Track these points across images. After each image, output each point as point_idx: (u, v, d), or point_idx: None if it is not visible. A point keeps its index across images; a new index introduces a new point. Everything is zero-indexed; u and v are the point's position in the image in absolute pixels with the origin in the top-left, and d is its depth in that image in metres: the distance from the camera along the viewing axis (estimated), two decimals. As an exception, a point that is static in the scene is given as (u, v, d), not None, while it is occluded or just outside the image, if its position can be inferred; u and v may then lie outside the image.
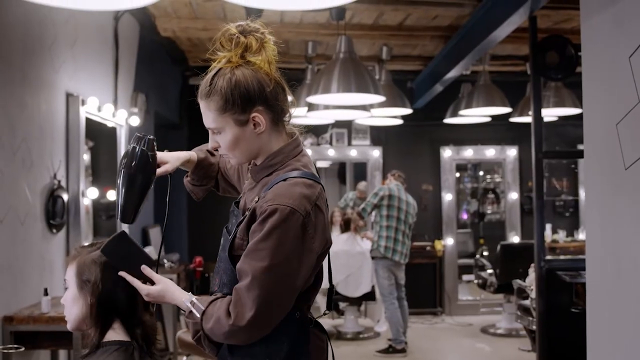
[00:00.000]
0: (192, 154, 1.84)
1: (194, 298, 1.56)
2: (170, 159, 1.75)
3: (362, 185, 7.72)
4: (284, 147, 1.60)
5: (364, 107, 5.31)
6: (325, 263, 1.67)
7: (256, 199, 1.54)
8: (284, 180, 1.52)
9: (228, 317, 1.45)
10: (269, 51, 1.57)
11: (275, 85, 1.56)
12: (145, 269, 1.62)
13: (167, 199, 1.72)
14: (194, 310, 1.53)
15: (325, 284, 1.74)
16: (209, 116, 1.55)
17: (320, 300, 5.48)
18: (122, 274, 1.60)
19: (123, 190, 1.62)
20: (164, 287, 1.60)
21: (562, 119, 6.76)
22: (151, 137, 1.65)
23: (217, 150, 1.62)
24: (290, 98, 1.63)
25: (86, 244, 1.72)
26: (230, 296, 1.50)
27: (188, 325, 1.56)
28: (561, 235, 7.64)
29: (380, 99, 4.62)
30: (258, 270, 1.44)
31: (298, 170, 1.56)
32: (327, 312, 1.80)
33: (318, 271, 1.62)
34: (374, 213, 6.05)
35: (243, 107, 1.52)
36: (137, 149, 1.62)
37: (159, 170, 1.70)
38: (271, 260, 1.44)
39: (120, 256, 1.60)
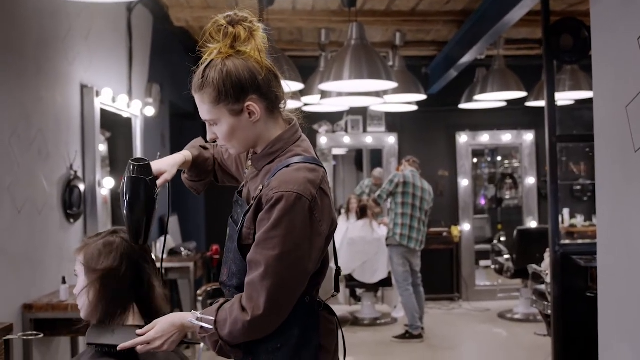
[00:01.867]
0: (187, 154, 1.83)
1: (198, 314, 1.54)
2: (166, 167, 1.74)
3: (377, 172, 7.72)
4: (283, 134, 1.61)
5: (378, 94, 5.31)
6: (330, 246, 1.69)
7: (260, 187, 1.55)
8: (287, 166, 1.53)
9: (245, 313, 1.46)
10: (258, 40, 1.57)
11: (267, 72, 1.56)
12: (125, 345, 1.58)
13: (168, 208, 1.77)
14: (204, 325, 1.52)
15: (331, 265, 1.76)
16: (204, 108, 1.57)
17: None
18: (121, 346, 1.58)
19: (129, 218, 1.63)
20: (161, 321, 1.58)
21: (578, 102, 6.69)
22: (142, 163, 1.64)
23: (215, 141, 1.63)
24: (285, 85, 1.64)
25: (94, 234, 1.76)
26: (238, 295, 1.51)
27: (205, 342, 1.54)
28: (579, 220, 7.59)
29: (393, 85, 4.61)
30: (270, 259, 1.45)
31: (299, 155, 1.56)
32: (335, 293, 1.80)
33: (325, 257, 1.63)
34: (389, 200, 6.05)
35: (236, 97, 1.53)
36: (130, 179, 1.62)
37: (159, 182, 1.69)
38: (282, 247, 1.45)
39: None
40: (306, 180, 1.49)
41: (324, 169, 1.59)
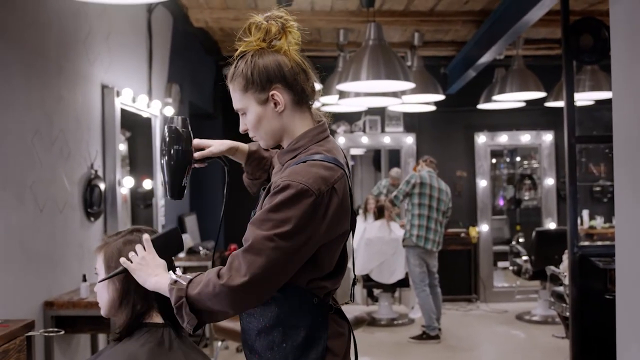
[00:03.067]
0: (242, 144, 1.89)
1: (178, 271, 1.60)
2: (212, 143, 1.83)
3: (394, 171, 7.71)
4: (309, 131, 1.63)
5: (396, 94, 5.31)
6: (350, 252, 1.70)
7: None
8: (304, 162, 1.55)
9: (219, 279, 1.45)
10: (289, 36, 1.63)
11: (294, 65, 1.61)
12: (147, 242, 1.66)
13: (225, 191, 1.80)
14: (179, 280, 1.53)
15: (349, 273, 1.76)
16: (235, 97, 1.64)
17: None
18: (121, 260, 1.65)
19: (164, 169, 1.74)
20: (151, 257, 1.64)
21: (598, 102, 6.63)
22: (183, 116, 1.76)
23: (246, 133, 1.68)
24: (316, 83, 1.68)
25: (114, 232, 1.79)
26: (221, 266, 1.52)
27: (170, 294, 1.52)
28: (599, 221, 7.52)
29: (410, 85, 4.61)
30: (259, 237, 1.45)
31: (320, 154, 1.57)
32: (348, 301, 1.81)
33: (340, 259, 1.63)
34: (406, 201, 6.05)
35: (262, 85, 1.59)
36: (168, 128, 1.74)
37: (203, 152, 1.79)
38: (274, 230, 1.45)
39: (163, 245, 1.69)
40: (318, 176, 1.50)
41: (346, 172, 1.59)
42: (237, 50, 1.65)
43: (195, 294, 1.48)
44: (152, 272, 1.61)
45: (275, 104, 1.60)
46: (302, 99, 1.63)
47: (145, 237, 1.67)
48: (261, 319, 1.58)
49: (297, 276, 1.53)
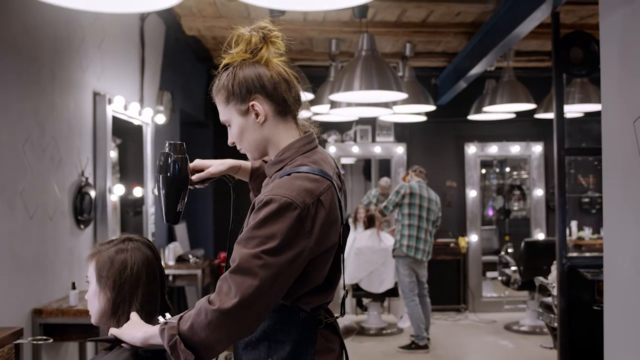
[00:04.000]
0: (244, 162, 1.89)
1: (167, 315, 1.57)
2: (212, 163, 1.83)
3: (383, 181, 7.72)
4: (294, 142, 1.62)
5: (387, 104, 5.34)
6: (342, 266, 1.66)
7: None
8: (288, 174, 1.53)
9: (211, 305, 1.40)
10: (272, 47, 1.63)
11: (274, 75, 1.61)
12: (134, 315, 1.64)
13: (231, 208, 1.80)
14: (169, 320, 1.49)
15: (340, 286, 1.74)
16: (220, 110, 1.65)
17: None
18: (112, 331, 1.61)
19: (161, 195, 1.75)
20: (138, 320, 1.61)
21: (587, 115, 6.70)
22: (175, 142, 1.76)
23: (234, 145, 1.68)
24: (303, 93, 1.68)
25: (106, 241, 1.79)
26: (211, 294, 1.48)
27: (162, 335, 1.45)
28: (587, 233, 7.57)
29: (403, 96, 4.64)
30: (245, 256, 1.41)
31: (306, 165, 1.55)
32: (339, 316, 1.73)
33: (331, 273, 1.60)
34: (395, 211, 6.07)
35: (242, 96, 1.59)
36: (162, 155, 1.74)
37: (201, 174, 1.80)
38: (260, 248, 1.41)
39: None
40: (302, 189, 1.47)
41: (333, 183, 1.56)
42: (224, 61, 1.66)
43: (187, 328, 1.42)
44: (140, 328, 1.56)
45: (257, 115, 1.59)
46: (284, 109, 1.62)
47: (133, 313, 1.64)
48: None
49: (285, 293, 1.50)
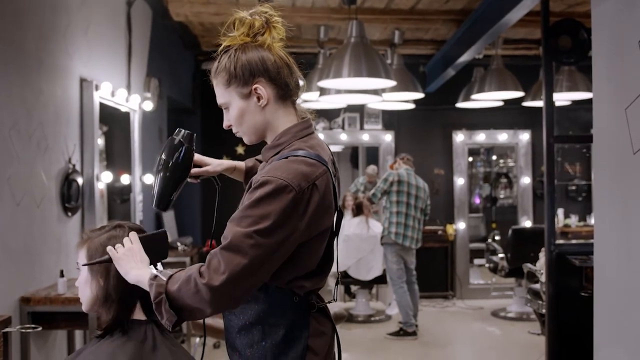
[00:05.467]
0: (239, 163, 1.90)
1: (159, 266, 1.57)
2: (211, 162, 1.84)
3: (370, 169, 7.73)
4: (292, 127, 1.62)
5: (376, 92, 5.32)
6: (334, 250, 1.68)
7: None
8: (285, 158, 1.53)
9: (201, 277, 1.42)
10: (274, 32, 1.63)
11: (277, 59, 1.61)
12: (134, 236, 1.64)
13: (216, 207, 1.79)
14: (160, 275, 1.50)
15: (333, 271, 1.75)
16: (218, 92, 1.63)
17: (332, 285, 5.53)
18: (109, 248, 1.62)
19: (157, 178, 1.72)
20: (137, 249, 1.61)
21: (575, 103, 6.73)
22: (190, 132, 1.74)
23: (230, 128, 1.67)
24: (299, 79, 1.67)
25: (96, 227, 1.77)
26: (201, 263, 1.48)
27: (150, 289, 1.48)
28: (573, 220, 7.64)
29: (391, 83, 4.63)
30: (238, 234, 1.42)
31: (302, 150, 1.56)
32: (331, 300, 1.75)
33: (324, 258, 1.61)
34: (384, 199, 6.07)
35: (245, 79, 1.58)
36: (171, 140, 1.72)
37: (199, 170, 1.80)
38: (253, 227, 1.42)
39: (148, 248, 1.65)
40: (298, 172, 1.48)
41: (329, 168, 1.57)
42: (219, 45, 1.64)
43: (174, 290, 1.45)
44: (135, 265, 1.57)
45: (258, 98, 1.59)
46: (285, 93, 1.62)
47: (133, 232, 1.65)
48: (241, 317, 1.58)
49: (276, 275, 1.51)
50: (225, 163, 1.88)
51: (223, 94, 1.62)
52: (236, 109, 1.61)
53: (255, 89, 1.58)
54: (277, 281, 1.54)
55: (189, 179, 1.79)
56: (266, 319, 1.56)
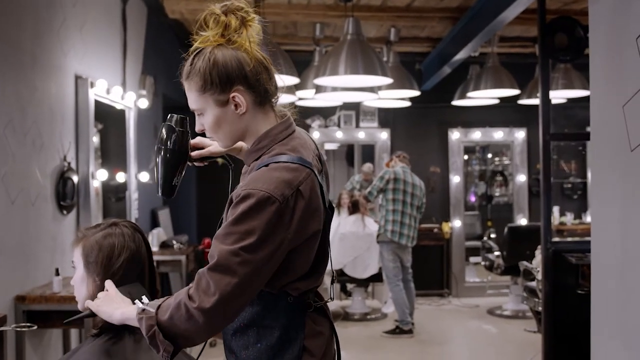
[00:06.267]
0: (242, 143, 1.80)
1: (144, 299, 1.48)
2: (214, 142, 1.76)
3: (366, 167, 7.72)
4: (271, 129, 1.55)
5: (372, 89, 5.32)
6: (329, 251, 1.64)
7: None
8: (266, 165, 1.47)
9: (191, 301, 1.37)
10: (250, 30, 1.53)
11: (256, 64, 1.52)
12: (108, 284, 1.59)
13: (230, 188, 1.68)
14: (147, 308, 1.43)
15: (328, 270, 1.72)
16: (191, 97, 1.54)
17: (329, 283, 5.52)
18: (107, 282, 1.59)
19: (158, 166, 1.70)
20: (114, 293, 1.56)
21: (571, 101, 6.74)
22: (182, 115, 1.71)
23: (203, 133, 1.61)
24: (278, 79, 1.60)
25: (92, 225, 1.75)
26: (189, 285, 1.44)
27: (140, 324, 1.42)
28: (569, 218, 7.64)
29: (388, 80, 4.62)
30: (224, 252, 1.38)
31: (284, 154, 1.49)
32: (329, 300, 1.72)
33: (317, 258, 1.57)
34: (380, 196, 6.07)
35: (222, 87, 1.49)
36: (164, 126, 1.70)
37: (201, 152, 1.74)
38: (239, 244, 1.37)
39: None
40: (280, 180, 1.42)
41: (313, 170, 1.51)
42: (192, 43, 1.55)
43: (166, 319, 1.39)
44: (117, 305, 1.52)
45: (236, 106, 1.51)
46: (264, 99, 1.55)
47: (108, 281, 1.61)
48: (236, 320, 1.53)
49: (269, 282, 1.47)
50: None
51: (197, 100, 1.53)
52: (211, 117, 1.53)
53: (234, 97, 1.50)
54: (269, 287, 1.50)
55: (195, 163, 1.77)
56: (260, 320, 1.53)
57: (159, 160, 1.69)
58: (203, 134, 1.64)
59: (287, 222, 1.41)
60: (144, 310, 1.43)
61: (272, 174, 1.43)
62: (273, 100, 1.58)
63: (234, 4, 1.52)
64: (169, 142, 1.68)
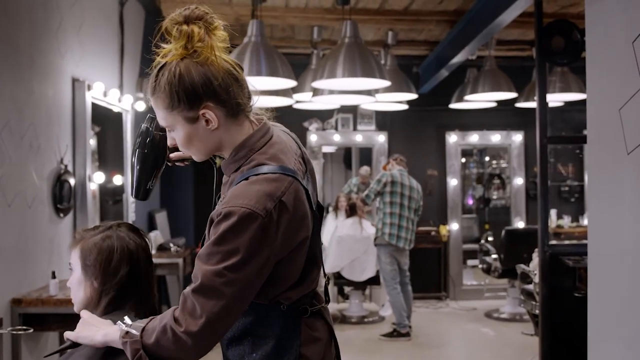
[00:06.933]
0: None
1: (127, 320, 1.42)
2: None
3: (363, 170, 7.73)
4: (247, 139, 1.48)
5: (369, 92, 5.32)
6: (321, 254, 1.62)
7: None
8: (246, 179, 1.42)
9: (177, 325, 1.33)
10: (214, 38, 1.43)
11: (225, 76, 1.42)
12: (84, 314, 1.54)
13: (214, 189, 1.68)
14: (130, 330, 1.38)
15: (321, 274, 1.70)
16: (159, 114, 1.47)
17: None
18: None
19: (135, 169, 1.68)
20: (93, 318, 1.53)
21: (568, 104, 6.75)
22: (155, 116, 1.66)
23: (176, 147, 1.56)
24: (250, 85, 1.51)
25: (89, 227, 1.74)
26: (174, 307, 1.39)
27: (125, 348, 1.37)
28: (566, 221, 7.65)
29: (386, 83, 4.62)
30: (208, 273, 1.33)
31: (264, 164, 1.43)
32: (325, 305, 1.67)
33: (307, 265, 1.52)
34: (377, 199, 6.07)
35: (190, 104, 1.41)
36: (144, 128, 1.67)
37: (180, 153, 1.66)
38: (222, 264, 1.33)
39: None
40: (261, 193, 1.36)
41: (296, 177, 1.44)
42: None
43: (152, 342, 1.34)
44: (97, 328, 1.47)
45: (207, 122, 1.43)
46: (237, 111, 1.46)
47: (84, 310, 1.59)
48: (230, 330, 1.50)
49: (258, 295, 1.43)
50: None
51: (165, 118, 1.45)
52: (182, 133, 1.45)
53: (203, 114, 1.41)
54: (261, 299, 1.46)
55: (176, 164, 1.74)
56: (254, 330, 1.50)
57: (134, 162, 1.67)
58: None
59: (272, 236, 1.37)
60: (127, 333, 1.38)
61: (252, 187, 1.38)
62: (247, 109, 1.50)
63: (194, 12, 1.42)
64: (145, 145, 1.65)
